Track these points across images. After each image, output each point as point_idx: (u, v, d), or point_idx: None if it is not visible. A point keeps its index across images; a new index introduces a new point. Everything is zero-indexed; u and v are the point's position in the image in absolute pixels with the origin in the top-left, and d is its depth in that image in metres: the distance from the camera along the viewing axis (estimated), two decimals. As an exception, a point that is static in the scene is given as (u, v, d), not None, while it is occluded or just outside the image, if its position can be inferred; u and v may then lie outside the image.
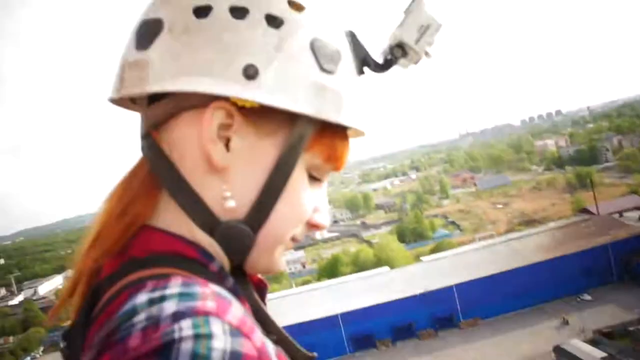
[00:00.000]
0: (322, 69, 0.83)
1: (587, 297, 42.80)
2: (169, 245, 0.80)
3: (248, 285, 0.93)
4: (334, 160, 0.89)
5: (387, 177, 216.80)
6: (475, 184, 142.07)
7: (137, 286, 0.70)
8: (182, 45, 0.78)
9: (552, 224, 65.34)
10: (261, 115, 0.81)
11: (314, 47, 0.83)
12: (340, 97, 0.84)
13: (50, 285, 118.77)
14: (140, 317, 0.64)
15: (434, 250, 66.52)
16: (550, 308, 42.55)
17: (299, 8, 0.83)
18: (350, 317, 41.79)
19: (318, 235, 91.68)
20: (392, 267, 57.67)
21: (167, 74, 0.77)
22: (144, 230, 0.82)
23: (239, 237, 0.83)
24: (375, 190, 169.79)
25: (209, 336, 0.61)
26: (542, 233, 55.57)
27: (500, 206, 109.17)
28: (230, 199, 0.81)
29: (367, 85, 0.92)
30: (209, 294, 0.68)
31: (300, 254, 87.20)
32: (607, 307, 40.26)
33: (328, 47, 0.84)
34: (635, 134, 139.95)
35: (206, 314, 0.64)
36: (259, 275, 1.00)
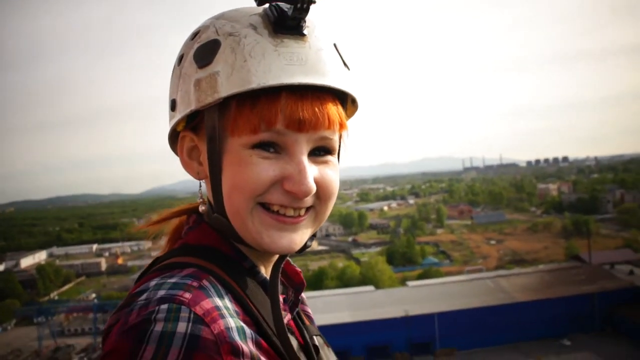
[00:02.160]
0: (199, 68, 1.00)
1: (567, 342, 42.55)
2: (212, 240, 1.05)
3: (275, 284, 1.07)
4: (271, 124, 0.97)
5: (385, 198, 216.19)
6: (471, 217, 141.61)
7: (163, 271, 0.96)
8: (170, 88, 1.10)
9: (542, 267, 65.04)
10: (198, 130, 1.06)
11: (194, 56, 1.02)
12: (214, 77, 0.98)
13: (32, 260, 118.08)
14: (142, 297, 0.86)
15: (421, 276, 66.01)
16: (527, 347, 41.96)
17: (193, 36, 1.06)
18: (326, 331, 40.76)
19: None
20: (377, 287, 57.15)
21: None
22: (202, 224, 1.11)
23: (217, 222, 1.06)
24: (371, 210, 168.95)
25: (176, 320, 0.80)
26: (531, 274, 55.27)
27: (494, 242, 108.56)
28: (204, 203, 1.11)
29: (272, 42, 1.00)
30: (192, 287, 0.88)
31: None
32: (585, 355, 39.74)
33: (204, 46, 1.01)
34: (638, 190, 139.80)
35: (180, 302, 0.83)
36: (301, 276, 1.23)
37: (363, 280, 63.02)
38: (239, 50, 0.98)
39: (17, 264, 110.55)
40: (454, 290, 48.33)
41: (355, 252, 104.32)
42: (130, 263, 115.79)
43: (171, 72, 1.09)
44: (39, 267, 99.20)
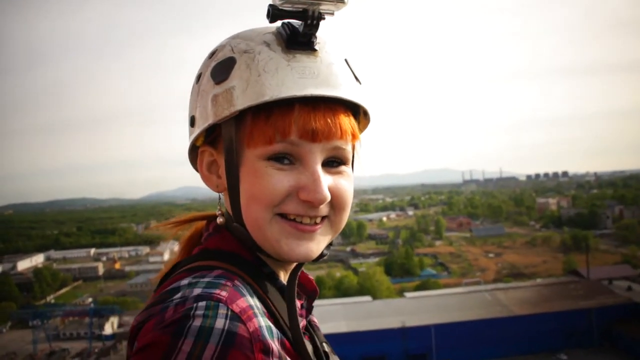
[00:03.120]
0: (216, 84, 1.07)
1: (564, 356, 42.52)
2: (233, 246, 1.10)
3: (293, 289, 1.12)
4: (285, 135, 1.03)
5: (384, 209, 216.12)
6: (470, 230, 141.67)
7: (191, 272, 0.99)
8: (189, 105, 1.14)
9: (540, 281, 65.05)
10: (217, 144, 1.11)
11: (211, 74, 1.08)
12: (230, 92, 1.04)
13: (29, 263, 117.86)
14: (178, 295, 0.90)
15: (418, 288, 66.14)
16: (525, 362, 41.97)
17: (211, 55, 1.11)
18: (323, 340, 41.04)
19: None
20: (374, 297, 57.12)
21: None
22: (223, 229, 1.15)
23: (236, 231, 1.11)
24: (370, 220, 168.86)
25: (214, 316, 0.84)
26: (528, 288, 55.45)
27: (492, 255, 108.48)
28: (221, 215, 1.15)
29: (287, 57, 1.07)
30: (227, 286, 0.92)
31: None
32: (582, 370, 39.74)
33: (221, 63, 1.08)
34: (637, 206, 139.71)
35: (218, 300, 0.87)
36: (314, 283, 1.28)
37: (360, 291, 62.99)
38: (253, 66, 1.04)
39: (14, 267, 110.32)
40: (452, 302, 48.29)
41: (354, 262, 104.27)
42: (127, 268, 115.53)
43: (190, 91, 1.15)
44: (36, 270, 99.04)
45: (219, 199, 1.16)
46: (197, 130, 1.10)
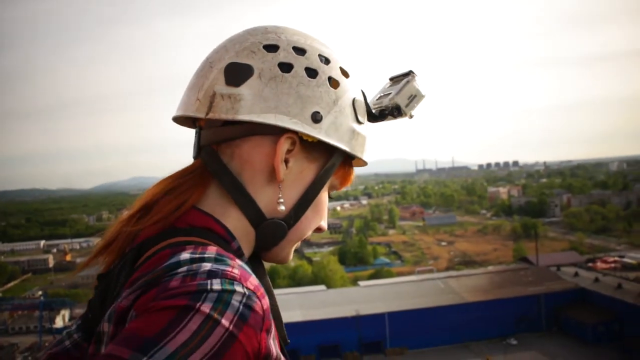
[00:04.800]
0: (357, 120, 1.18)
1: (514, 341, 43.46)
2: (204, 222, 1.06)
3: (263, 269, 1.20)
4: (345, 183, 1.25)
5: (338, 198, 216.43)
6: (423, 219, 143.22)
7: (180, 247, 0.95)
8: (270, 89, 1.06)
9: (491, 268, 66.13)
10: (312, 147, 1.13)
11: (354, 105, 1.18)
12: (365, 139, 1.21)
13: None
14: (183, 269, 0.86)
15: (372, 276, 66.31)
16: (476, 347, 42.80)
17: (346, 74, 1.19)
18: (277, 329, 40.97)
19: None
20: (328, 286, 57.22)
21: (256, 109, 1.05)
22: (191, 209, 1.08)
23: (277, 230, 1.13)
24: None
25: (231, 292, 0.82)
26: (480, 275, 56.36)
27: (445, 244, 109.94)
28: (282, 203, 1.11)
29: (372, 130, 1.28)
30: (236, 265, 0.90)
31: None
32: (531, 354, 40.71)
33: (362, 106, 1.21)
34: (584, 195, 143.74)
35: (232, 278, 0.85)
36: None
37: (315, 280, 63.06)
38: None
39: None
40: (405, 290, 48.76)
41: (308, 251, 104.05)
42: (79, 259, 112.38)
43: (296, 79, 1.11)
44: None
45: (279, 188, 1.14)
46: (325, 137, 1.13)
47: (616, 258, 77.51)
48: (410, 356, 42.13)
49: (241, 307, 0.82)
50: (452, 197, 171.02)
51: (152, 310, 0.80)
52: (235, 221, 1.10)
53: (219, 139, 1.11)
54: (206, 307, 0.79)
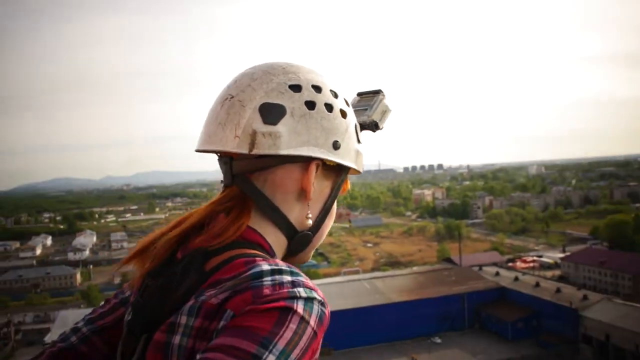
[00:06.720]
0: (358, 141, 1.36)
1: (438, 340, 44.56)
2: (256, 238, 1.22)
3: None
4: (345, 190, 1.40)
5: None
6: (350, 221, 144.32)
7: (252, 258, 1.11)
8: (301, 125, 1.22)
9: (415, 268, 67.16)
10: (329, 168, 1.30)
11: (355, 129, 1.35)
12: (362, 156, 1.38)
13: None
14: (268, 278, 1.02)
15: (299, 278, 66.38)
16: (402, 347, 43.69)
17: (347, 104, 1.35)
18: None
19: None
20: (256, 288, 56.95)
21: (292, 143, 1.21)
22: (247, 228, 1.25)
23: (306, 239, 1.31)
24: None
25: (313, 299, 1.00)
26: (405, 275, 57.32)
27: (370, 245, 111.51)
28: (310, 218, 1.29)
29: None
30: (303, 275, 1.06)
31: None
32: (454, 351, 42.12)
33: (358, 129, 1.38)
34: (505, 197, 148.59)
35: (311, 288, 1.02)
36: None
37: (242, 282, 62.60)
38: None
39: None
40: (331, 291, 48.65)
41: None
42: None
43: (318, 113, 1.28)
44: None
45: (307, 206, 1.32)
46: (341, 159, 1.30)
47: (534, 258, 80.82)
48: (337, 356, 42.31)
49: (320, 311, 1.00)
50: (378, 199, 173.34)
51: (257, 311, 0.96)
52: (273, 237, 1.26)
53: (254, 168, 1.25)
54: (300, 310, 0.96)
